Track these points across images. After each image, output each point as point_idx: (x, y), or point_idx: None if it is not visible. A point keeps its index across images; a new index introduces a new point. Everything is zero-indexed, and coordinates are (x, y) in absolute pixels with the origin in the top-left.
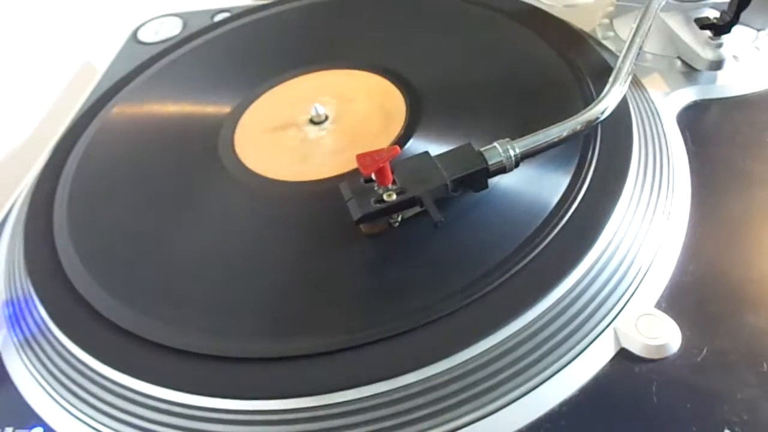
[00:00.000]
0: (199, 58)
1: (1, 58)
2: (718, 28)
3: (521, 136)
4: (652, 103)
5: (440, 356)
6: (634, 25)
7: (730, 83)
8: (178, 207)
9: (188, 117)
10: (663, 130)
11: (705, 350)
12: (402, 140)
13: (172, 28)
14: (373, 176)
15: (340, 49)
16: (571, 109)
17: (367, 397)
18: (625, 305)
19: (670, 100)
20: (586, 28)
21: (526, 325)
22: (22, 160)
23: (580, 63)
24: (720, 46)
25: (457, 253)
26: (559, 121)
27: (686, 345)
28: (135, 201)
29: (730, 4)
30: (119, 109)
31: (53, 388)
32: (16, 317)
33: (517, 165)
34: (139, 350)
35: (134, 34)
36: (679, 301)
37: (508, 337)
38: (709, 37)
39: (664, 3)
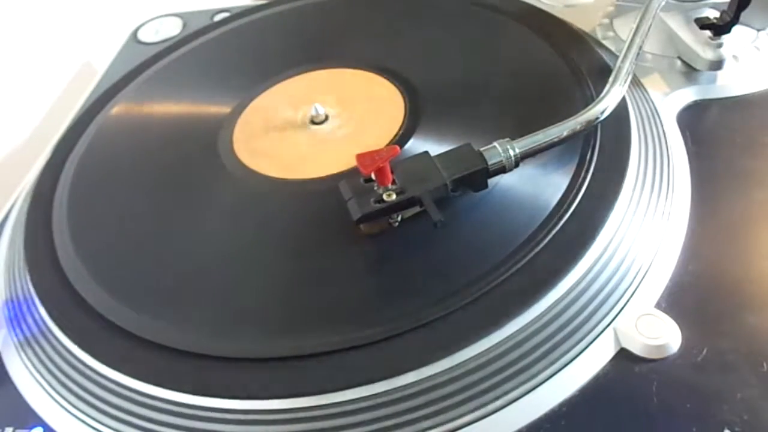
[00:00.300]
0: (199, 58)
1: (1, 58)
2: (718, 28)
3: (521, 136)
4: (652, 103)
5: (440, 356)
6: (634, 25)
7: (730, 83)
8: (178, 207)
9: (188, 117)
10: (663, 130)
11: (705, 350)
12: (402, 140)
13: (172, 28)
14: (373, 176)
15: (340, 49)
16: (571, 109)
17: (366, 397)
18: (625, 305)
19: (670, 100)
20: (586, 28)
21: (525, 325)
22: (22, 160)
23: (580, 63)
24: (720, 46)
25: (457, 253)
26: (559, 121)
27: (686, 345)
28: (135, 201)
29: (730, 4)
30: (119, 109)
31: (53, 388)
32: (16, 317)
33: (516, 165)
34: (139, 350)
35: (134, 34)
36: (679, 301)
37: (507, 336)
38: (709, 37)
39: (664, 3)
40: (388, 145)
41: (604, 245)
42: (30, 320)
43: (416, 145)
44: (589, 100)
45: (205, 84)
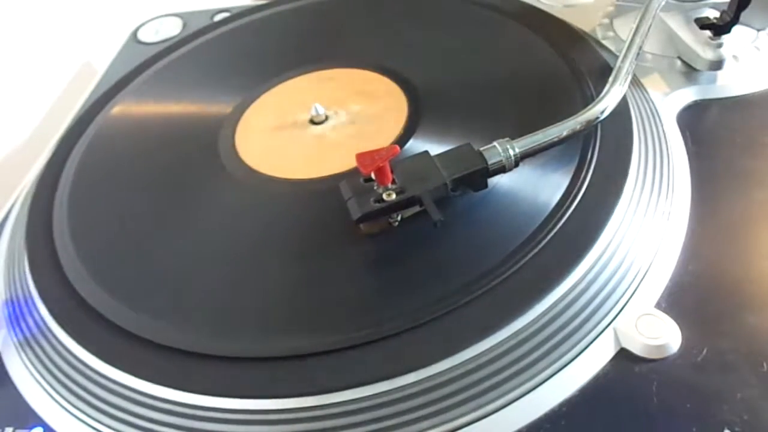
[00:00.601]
0: (199, 58)
1: (1, 58)
2: (718, 28)
3: (521, 135)
4: (652, 103)
5: (440, 356)
6: (634, 25)
7: (730, 83)
8: (179, 206)
9: (188, 117)
10: (663, 130)
11: (705, 350)
12: (402, 140)
13: (172, 28)
14: (373, 176)
15: (340, 49)
16: (570, 109)
17: (367, 397)
18: (625, 305)
19: (670, 100)
20: (586, 28)
21: (526, 325)
22: (22, 160)
23: (580, 63)
24: (720, 46)
25: (457, 252)
26: (559, 121)
27: (686, 345)
28: (135, 201)
29: (730, 4)
30: (119, 109)
31: (53, 388)
32: (16, 317)
33: (516, 165)
34: (139, 350)
35: (134, 34)
36: (679, 301)
37: (508, 336)
38: (709, 37)
39: (664, 3)
40: (388, 144)
41: (605, 245)
42: (30, 320)
43: (416, 145)
44: (589, 100)
45: (206, 84)
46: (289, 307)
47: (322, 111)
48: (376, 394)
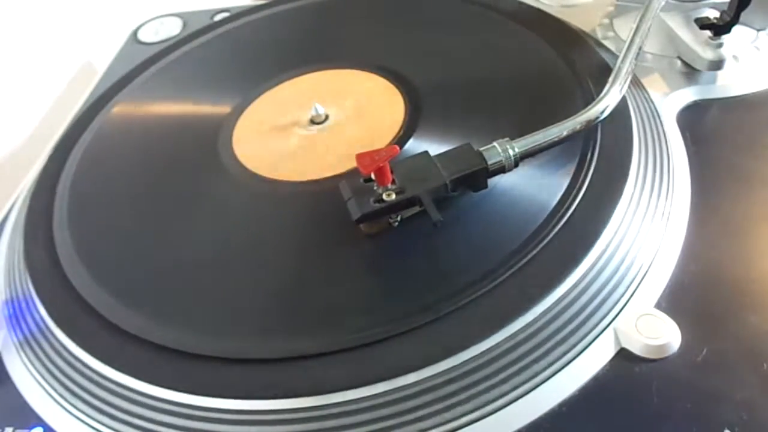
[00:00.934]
0: (199, 58)
1: (1, 58)
2: (718, 28)
3: (521, 136)
4: (652, 103)
5: (440, 356)
6: (634, 25)
7: (730, 83)
8: (178, 207)
9: (188, 117)
10: (663, 130)
11: (705, 350)
12: (401, 140)
13: (172, 28)
14: (373, 176)
15: (340, 49)
16: (571, 109)
17: (367, 397)
18: (625, 305)
19: (670, 100)
20: (586, 28)
21: (526, 325)
22: (22, 160)
23: (580, 63)
24: (720, 46)
25: (457, 253)
26: (559, 120)
27: (686, 345)
28: (135, 201)
29: (730, 4)
30: (119, 109)
31: (53, 388)
32: (16, 317)
33: (516, 165)
34: (139, 350)
35: (134, 34)
36: (679, 301)
37: (508, 337)
38: (709, 37)
39: (664, 3)
40: (388, 145)
41: (605, 245)
42: (30, 320)
43: (416, 145)
44: (589, 100)
45: (205, 84)
46: (289, 307)
47: (322, 111)
48: (376, 394)
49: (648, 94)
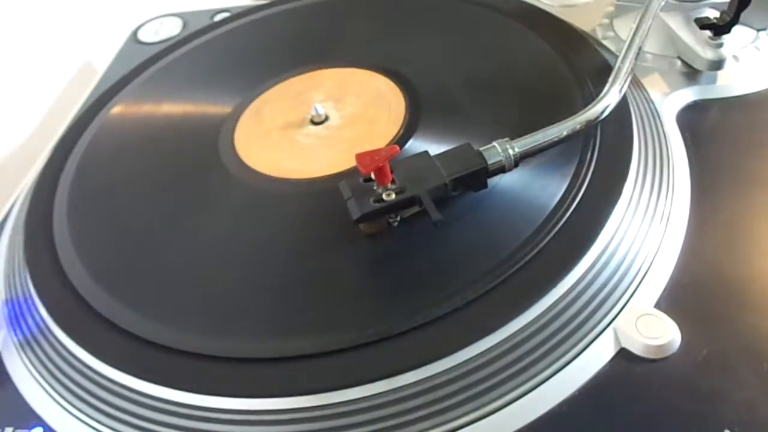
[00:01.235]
0: (199, 58)
1: (1, 58)
2: (718, 28)
3: (521, 135)
4: (652, 103)
5: (440, 356)
6: (634, 25)
7: (730, 83)
8: (179, 206)
9: (188, 117)
10: (663, 130)
11: (705, 350)
12: (401, 140)
13: (172, 28)
14: (373, 175)
15: (340, 49)
16: (570, 108)
17: (367, 397)
18: (624, 305)
19: (670, 100)
20: (586, 28)
21: (525, 325)
22: (22, 160)
23: (580, 63)
24: (720, 46)
25: (457, 252)
26: (559, 121)
27: (686, 345)
28: (135, 201)
29: (730, 4)
30: (119, 109)
31: (53, 388)
32: (16, 317)
33: (516, 165)
34: (139, 350)
35: (134, 34)
36: (679, 301)
37: (507, 336)
38: (709, 37)
39: (664, 3)
40: (388, 144)
41: (605, 245)
42: (30, 320)
43: (416, 145)
44: (589, 100)
45: (206, 84)
46: (289, 306)
47: (321, 111)
48: (376, 394)
49: (648, 94)
